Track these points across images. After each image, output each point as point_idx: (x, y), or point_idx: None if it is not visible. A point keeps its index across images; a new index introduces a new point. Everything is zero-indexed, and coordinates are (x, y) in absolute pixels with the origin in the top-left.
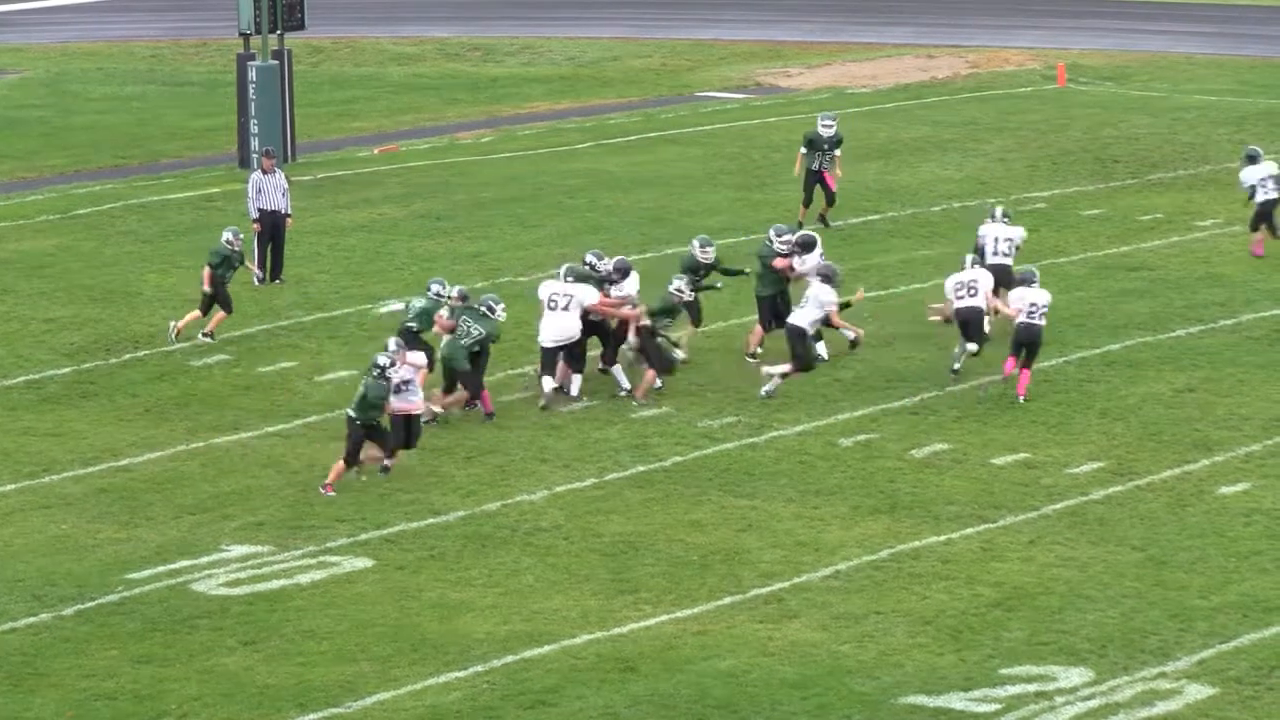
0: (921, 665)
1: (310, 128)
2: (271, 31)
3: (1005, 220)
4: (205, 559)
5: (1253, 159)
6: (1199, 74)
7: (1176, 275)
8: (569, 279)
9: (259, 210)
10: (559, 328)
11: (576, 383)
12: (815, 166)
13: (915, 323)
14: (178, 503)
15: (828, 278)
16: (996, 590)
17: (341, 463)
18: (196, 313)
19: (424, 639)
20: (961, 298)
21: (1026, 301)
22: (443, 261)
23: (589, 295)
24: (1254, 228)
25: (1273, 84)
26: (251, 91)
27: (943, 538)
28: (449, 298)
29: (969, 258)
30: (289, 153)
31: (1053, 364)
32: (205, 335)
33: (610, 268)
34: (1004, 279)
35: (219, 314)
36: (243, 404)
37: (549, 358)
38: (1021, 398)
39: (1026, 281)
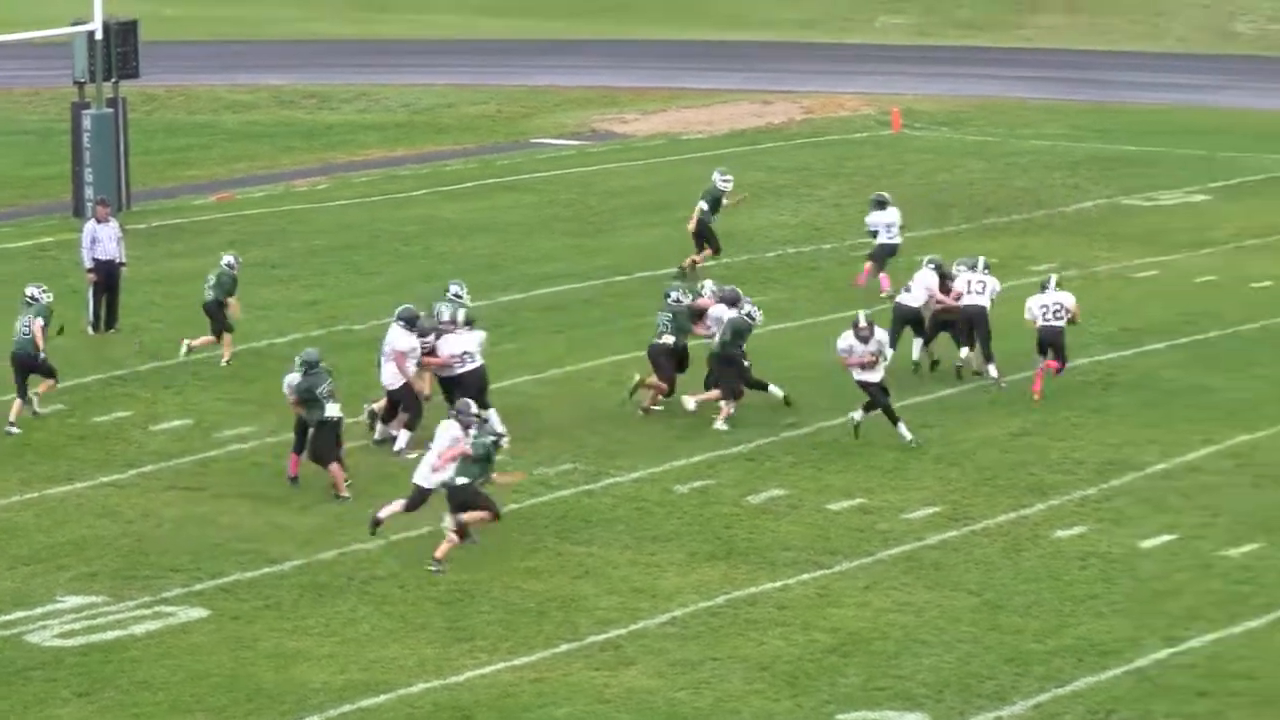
0: (758, 711)
1: (145, 176)
2: (106, 79)
3: (985, 270)
4: (39, 610)
5: (880, 205)
6: (1033, 119)
7: (1010, 320)
8: (398, 323)
9: (93, 259)
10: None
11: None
12: (712, 221)
13: (754, 368)
14: (12, 554)
15: (731, 302)
16: (833, 636)
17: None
18: (211, 338)
19: (260, 689)
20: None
21: (1039, 305)
22: (279, 310)
23: (400, 342)
24: (870, 258)
25: (1106, 128)
26: (86, 140)
27: (779, 584)
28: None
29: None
30: (124, 201)
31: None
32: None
33: (446, 318)
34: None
35: (228, 337)
36: (77, 454)
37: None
38: (1037, 396)
39: (1043, 287)
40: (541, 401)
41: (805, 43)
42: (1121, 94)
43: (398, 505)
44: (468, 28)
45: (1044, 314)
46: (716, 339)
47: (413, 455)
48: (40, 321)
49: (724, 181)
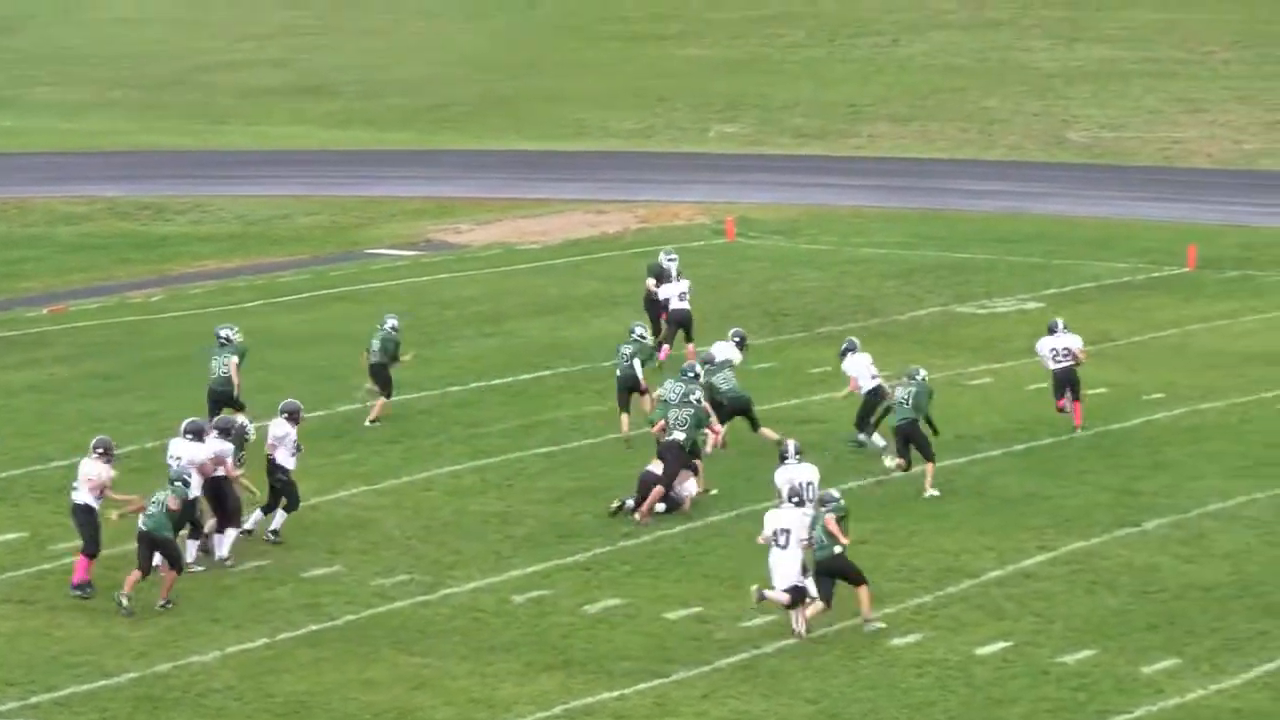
0: None
1: None
2: None
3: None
4: None
5: (659, 275)
6: (867, 227)
7: (848, 428)
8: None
9: None
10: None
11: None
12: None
13: (589, 477)
14: None
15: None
16: None
17: None
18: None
19: None
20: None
21: (1048, 348)
22: (113, 421)
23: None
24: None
25: (941, 235)
26: None
27: (616, 693)
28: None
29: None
30: None
31: (724, 517)
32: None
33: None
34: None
35: (386, 401)
36: None
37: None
38: (1079, 428)
39: (1051, 330)
40: (378, 512)
41: (640, 152)
42: (955, 201)
43: None
44: (304, 139)
45: (1053, 356)
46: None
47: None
48: (235, 360)
49: (668, 261)
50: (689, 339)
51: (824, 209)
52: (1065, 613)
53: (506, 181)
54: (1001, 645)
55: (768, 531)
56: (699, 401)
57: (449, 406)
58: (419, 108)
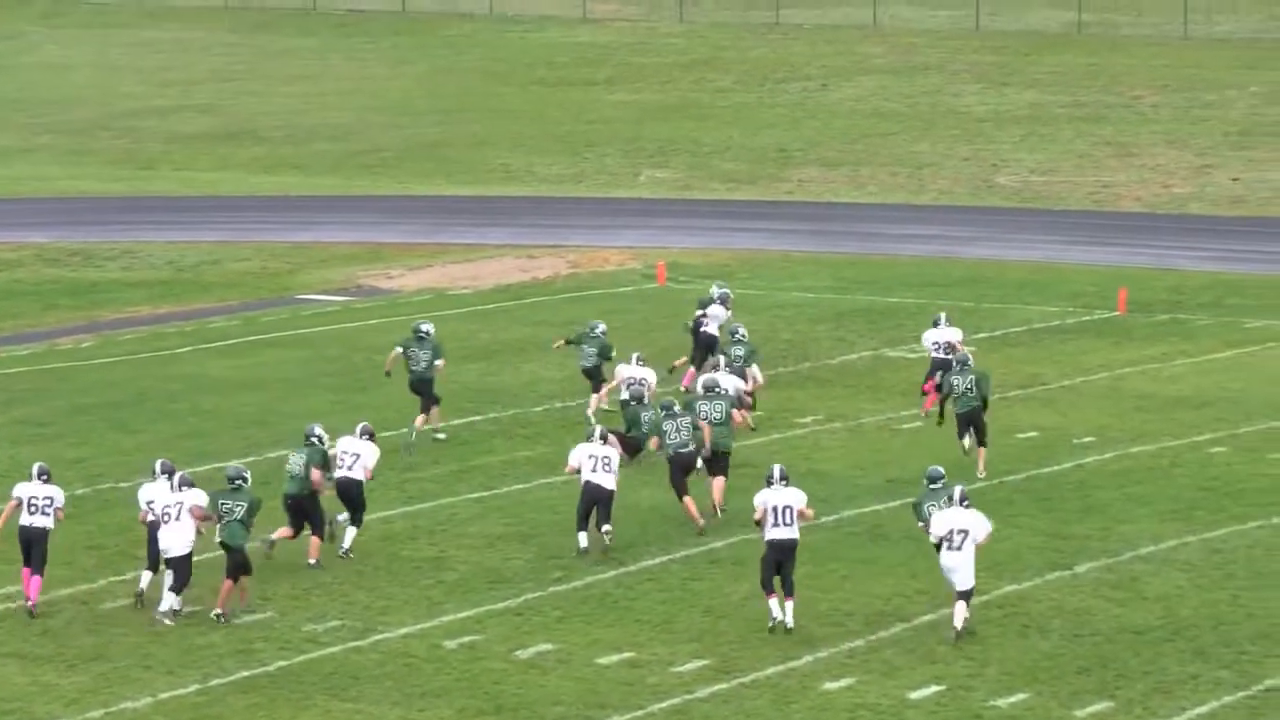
0: None
1: None
2: None
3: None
4: None
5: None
6: (797, 271)
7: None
8: (182, 488)
9: None
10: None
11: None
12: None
13: (520, 523)
14: None
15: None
16: None
17: None
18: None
19: None
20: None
21: (930, 340)
22: None
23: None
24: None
25: (871, 280)
26: None
27: None
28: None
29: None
30: None
31: (657, 561)
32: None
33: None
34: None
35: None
36: None
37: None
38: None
39: (934, 324)
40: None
41: (571, 197)
42: (886, 246)
43: None
44: (232, 184)
45: (935, 349)
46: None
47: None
48: (440, 362)
49: (719, 291)
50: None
51: (754, 253)
52: (998, 656)
53: (436, 227)
54: (934, 689)
55: (942, 531)
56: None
57: (382, 451)
58: (346, 153)
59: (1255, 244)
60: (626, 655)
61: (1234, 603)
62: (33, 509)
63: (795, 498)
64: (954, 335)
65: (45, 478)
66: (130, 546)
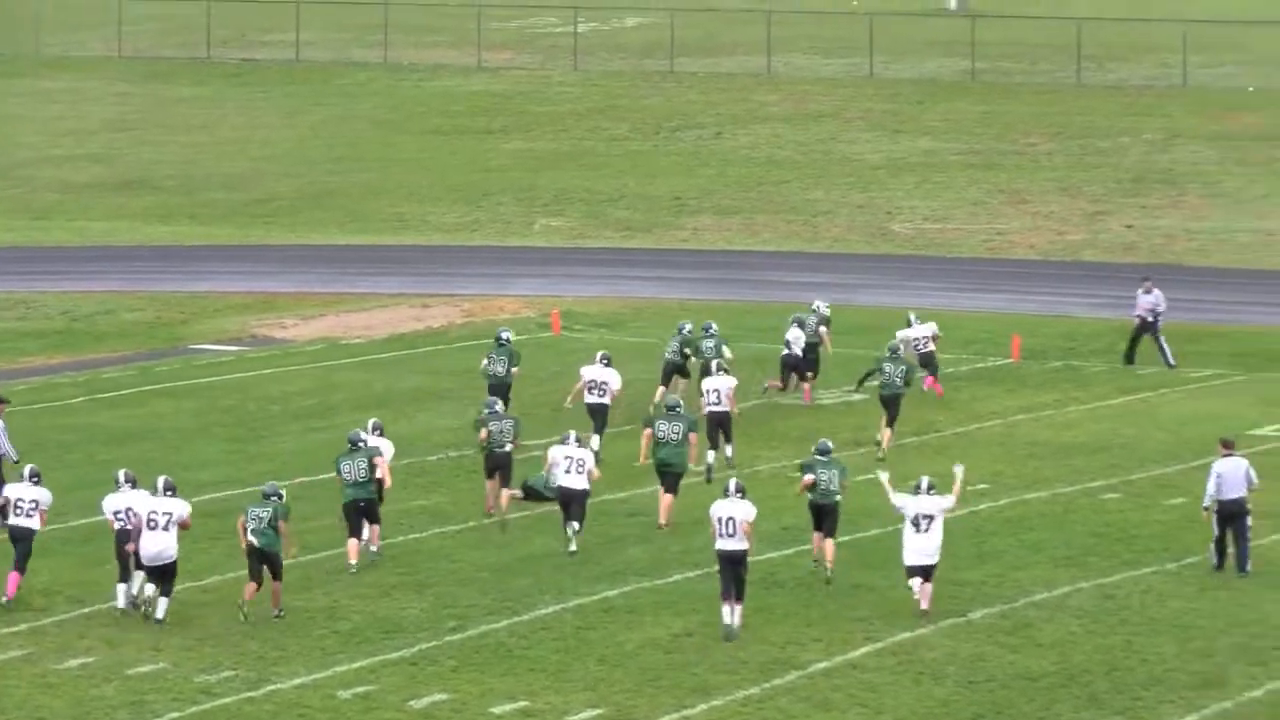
0: None
1: None
2: None
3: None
4: None
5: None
6: (692, 319)
7: (675, 521)
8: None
9: None
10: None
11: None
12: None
13: (415, 572)
14: None
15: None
16: None
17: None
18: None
19: None
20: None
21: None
22: None
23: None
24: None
25: (766, 327)
26: None
27: None
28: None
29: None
30: None
31: (551, 610)
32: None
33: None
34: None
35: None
36: None
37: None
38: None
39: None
40: (203, 609)
41: (466, 246)
42: (780, 294)
43: None
44: (127, 234)
45: (918, 346)
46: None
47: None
48: (515, 370)
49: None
50: (802, 379)
51: (649, 302)
52: (892, 704)
53: (329, 276)
54: None
55: (910, 514)
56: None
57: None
58: (240, 202)
59: None
60: (521, 704)
61: (1127, 648)
62: (18, 511)
63: (740, 511)
64: (926, 330)
65: (35, 480)
66: (26, 593)
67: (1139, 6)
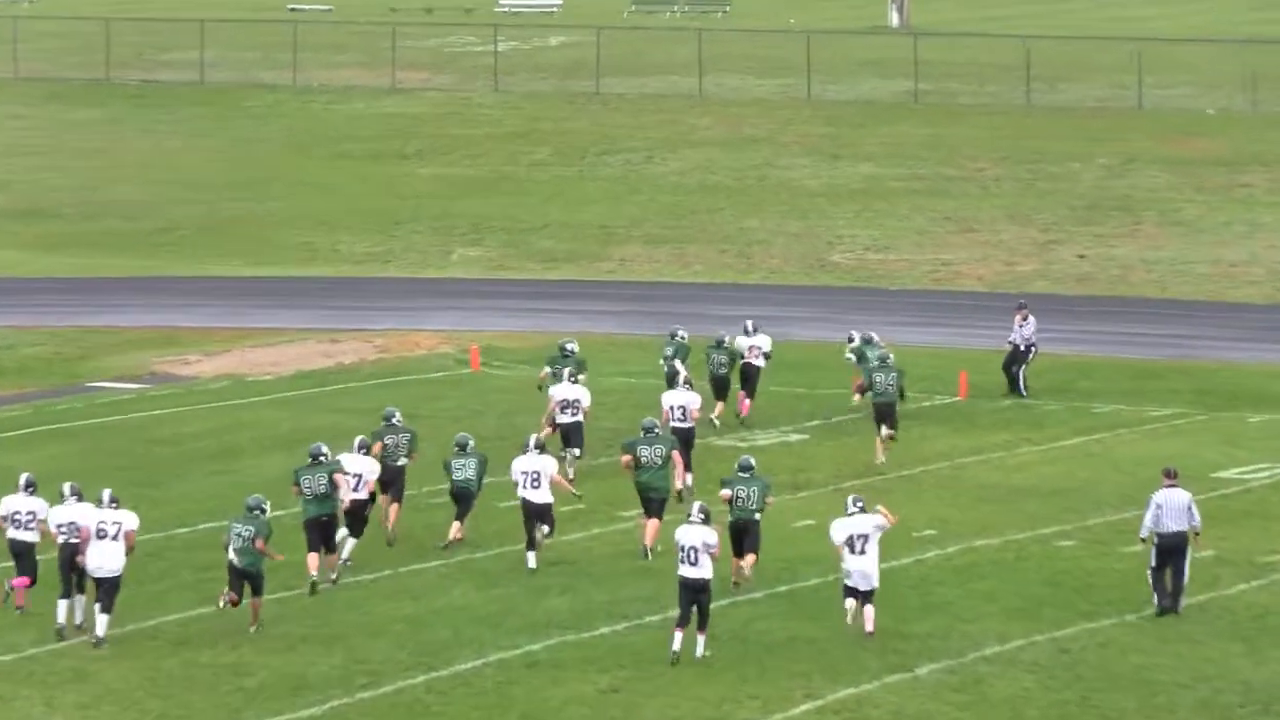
0: None
1: None
2: None
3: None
4: None
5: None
6: (620, 355)
7: (600, 570)
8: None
9: None
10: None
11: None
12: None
13: (324, 624)
14: None
15: None
16: None
17: None
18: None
19: None
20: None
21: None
22: None
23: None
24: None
25: (696, 363)
26: None
27: None
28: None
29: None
30: None
31: (470, 666)
32: None
33: None
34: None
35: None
36: None
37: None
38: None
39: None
40: (101, 663)
41: (378, 277)
42: (713, 328)
43: None
44: (24, 265)
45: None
46: None
47: None
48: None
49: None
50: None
51: (575, 337)
52: None
53: (235, 310)
54: None
55: (841, 538)
56: None
57: (176, 549)
58: (141, 231)
59: (1104, 324)
60: None
61: (1084, 704)
62: (15, 524)
63: (702, 537)
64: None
65: (30, 490)
66: None
67: (1090, 24)
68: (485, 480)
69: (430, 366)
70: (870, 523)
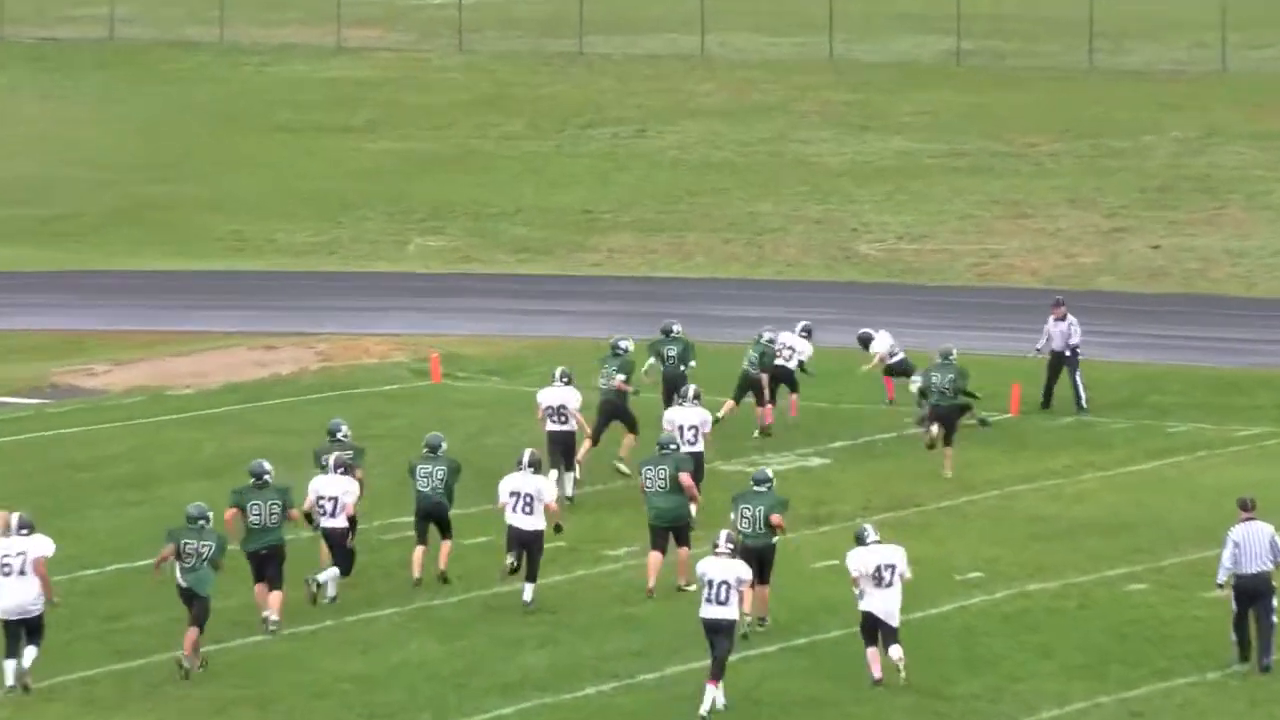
0: None
1: None
2: None
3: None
4: None
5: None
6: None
7: (584, 620)
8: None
9: None
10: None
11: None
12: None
13: (256, 683)
14: None
15: None
16: None
17: None
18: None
19: None
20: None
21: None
22: None
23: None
24: None
25: (701, 377)
26: None
27: None
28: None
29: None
30: None
31: None
32: None
33: None
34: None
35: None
36: None
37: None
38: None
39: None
40: None
41: (321, 272)
42: (718, 331)
43: None
44: None
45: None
46: None
47: None
48: (621, 377)
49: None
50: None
51: (553, 342)
52: None
53: (151, 310)
54: None
55: (868, 569)
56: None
57: (81, 595)
58: (37, 218)
59: (1180, 327)
60: None
61: None
62: (6, 570)
63: (736, 572)
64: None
65: (26, 532)
66: None
67: None
68: (451, 512)
69: (382, 378)
70: (899, 553)
